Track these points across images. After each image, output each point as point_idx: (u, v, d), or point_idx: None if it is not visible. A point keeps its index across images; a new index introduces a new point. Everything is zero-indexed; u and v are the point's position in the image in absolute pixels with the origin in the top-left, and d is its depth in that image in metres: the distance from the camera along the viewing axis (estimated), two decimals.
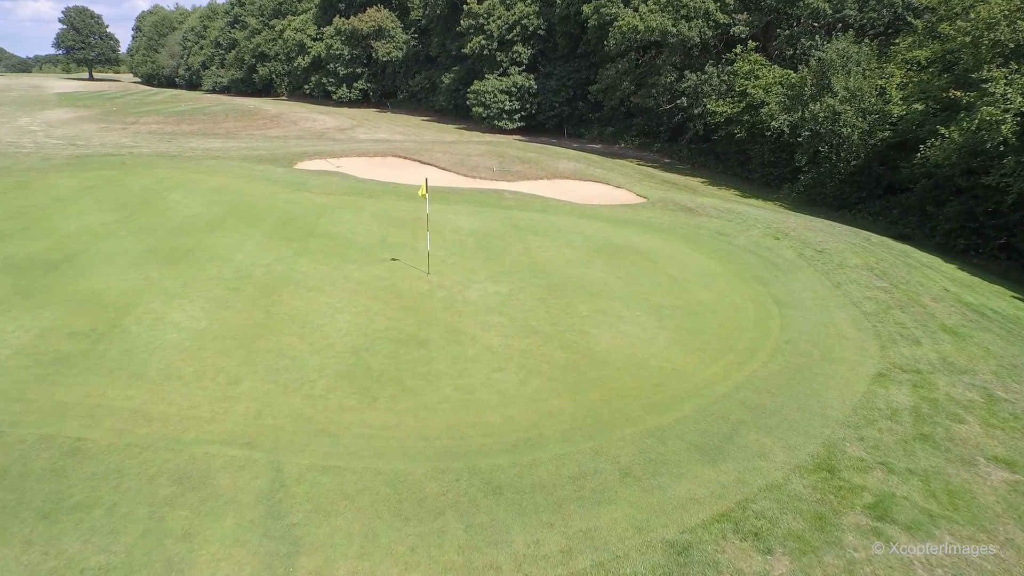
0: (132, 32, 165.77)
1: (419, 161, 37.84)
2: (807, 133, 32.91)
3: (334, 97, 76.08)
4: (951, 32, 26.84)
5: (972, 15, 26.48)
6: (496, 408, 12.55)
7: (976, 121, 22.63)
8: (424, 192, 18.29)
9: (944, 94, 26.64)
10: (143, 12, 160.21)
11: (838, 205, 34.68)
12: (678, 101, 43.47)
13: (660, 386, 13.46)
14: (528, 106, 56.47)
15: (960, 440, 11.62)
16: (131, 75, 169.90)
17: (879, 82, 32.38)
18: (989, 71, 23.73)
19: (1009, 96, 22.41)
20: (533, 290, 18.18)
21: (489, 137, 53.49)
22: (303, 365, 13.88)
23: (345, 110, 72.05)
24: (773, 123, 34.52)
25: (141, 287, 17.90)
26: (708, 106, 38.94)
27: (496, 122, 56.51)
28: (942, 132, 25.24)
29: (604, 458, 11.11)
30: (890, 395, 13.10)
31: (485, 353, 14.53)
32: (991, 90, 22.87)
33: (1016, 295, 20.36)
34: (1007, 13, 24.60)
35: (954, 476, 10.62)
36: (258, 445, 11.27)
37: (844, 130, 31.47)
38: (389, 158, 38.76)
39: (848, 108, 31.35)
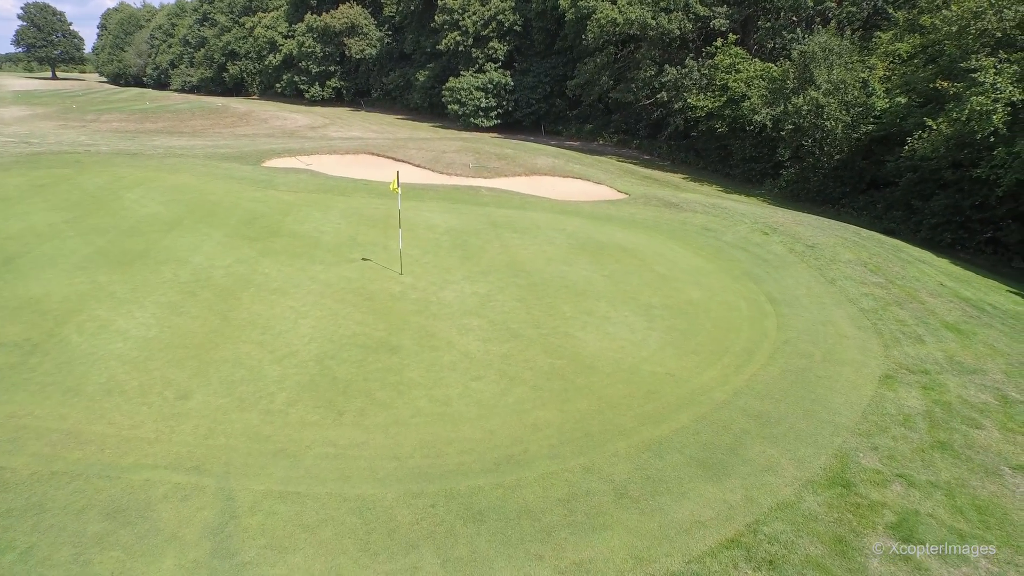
0: (97, 30, 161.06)
1: (392, 158, 36.42)
2: (790, 127, 32.29)
3: (307, 96, 74.08)
4: (935, 23, 26.33)
5: (955, 7, 25.98)
6: (475, 421, 11.34)
7: (966, 111, 22.04)
8: (395, 186, 17.00)
9: (930, 85, 26.10)
10: (109, 9, 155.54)
11: (821, 200, 34.14)
12: (658, 96, 42.67)
13: (654, 393, 12.38)
14: (504, 103, 55.30)
15: (980, 448, 10.73)
16: (97, 74, 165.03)
17: (862, 75, 31.86)
18: (978, 60, 23.18)
19: (999, 85, 21.86)
20: (513, 290, 17.01)
21: (465, 135, 52.22)
22: (262, 376, 12.53)
23: (318, 109, 70.17)
24: (756, 117, 33.85)
25: (86, 292, 16.33)
26: (689, 100, 38.17)
27: (472, 120, 55.22)
28: (929, 124, 24.65)
29: (597, 476, 9.98)
30: (900, 398, 12.19)
31: (462, 360, 13.31)
32: (980, 79, 22.31)
33: (1012, 289, 19.76)
34: (993, 1, 24.10)
35: (980, 489, 9.70)
36: (207, 469, 9.93)
37: (828, 123, 30.88)
38: (361, 155, 37.26)
39: (832, 101, 30.76)
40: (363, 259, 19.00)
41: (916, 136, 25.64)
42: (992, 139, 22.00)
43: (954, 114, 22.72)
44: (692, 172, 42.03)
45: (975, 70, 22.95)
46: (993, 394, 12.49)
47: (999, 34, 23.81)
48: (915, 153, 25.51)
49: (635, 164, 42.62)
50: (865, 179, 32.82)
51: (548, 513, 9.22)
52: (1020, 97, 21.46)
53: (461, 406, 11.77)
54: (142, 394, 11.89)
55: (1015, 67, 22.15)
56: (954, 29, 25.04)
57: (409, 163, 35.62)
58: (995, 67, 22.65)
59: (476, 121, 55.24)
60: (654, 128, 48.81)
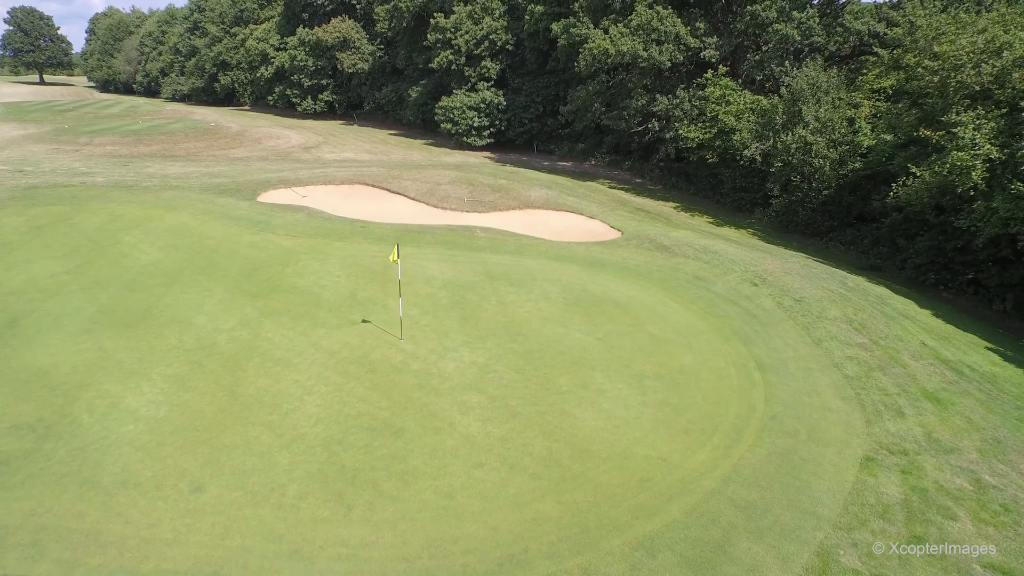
0: (86, 34, 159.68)
1: (388, 190, 36.84)
2: (779, 164, 33.04)
3: (299, 109, 74.10)
4: (919, 71, 27.12)
5: (938, 51, 26.76)
6: (478, 516, 11.90)
7: (947, 166, 22.82)
8: (395, 258, 17.51)
9: (914, 133, 26.90)
10: (97, 14, 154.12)
11: (810, 233, 34.94)
12: (649, 124, 43.30)
13: (647, 481, 12.99)
14: (497, 122, 55.75)
15: (954, 541, 11.42)
16: (85, 79, 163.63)
17: (848, 112, 32.66)
18: (957, 114, 23.97)
19: (978, 141, 22.63)
20: (511, 359, 17.56)
21: (459, 158, 52.61)
22: (272, 464, 13.02)
23: (310, 123, 70.23)
24: (746, 152, 34.55)
25: (93, 362, 16.73)
26: (680, 131, 38.85)
27: (465, 139, 55.64)
28: (913, 171, 25.44)
29: None
30: (880, 485, 12.87)
31: (464, 444, 13.86)
32: (960, 135, 23.08)
33: (989, 345, 20.54)
34: (971, 55, 24.89)
35: None
36: (226, 575, 10.43)
37: (816, 161, 31.64)
38: (357, 186, 37.65)
39: (819, 139, 31.52)
40: (363, 321, 19.47)
41: (900, 182, 26.43)
42: (972, 193, 22.80)
43: (936, 167, 23.50)
44: (683, 199, 42.71)
45: (955, 124, 23.74)
46: (968, 478, 13.20)
47: (977, 87, 24.60)
48: (900, 198, 26.28)
49: (627, 191, 43.24)
50: (852, 213, 33.65)
51: None
52: (997, 155, 22.25)
53: (464, 499, 12.32)
54: (157, 487, 12.35)
55: (992, 123, 22.95)
56: (936, 79, 25.83)
57: (404, 195, 36.05)
58: (974, 123, 23.44)
59: (469, 140, 55.66)
60: (646, 151, 49.48)
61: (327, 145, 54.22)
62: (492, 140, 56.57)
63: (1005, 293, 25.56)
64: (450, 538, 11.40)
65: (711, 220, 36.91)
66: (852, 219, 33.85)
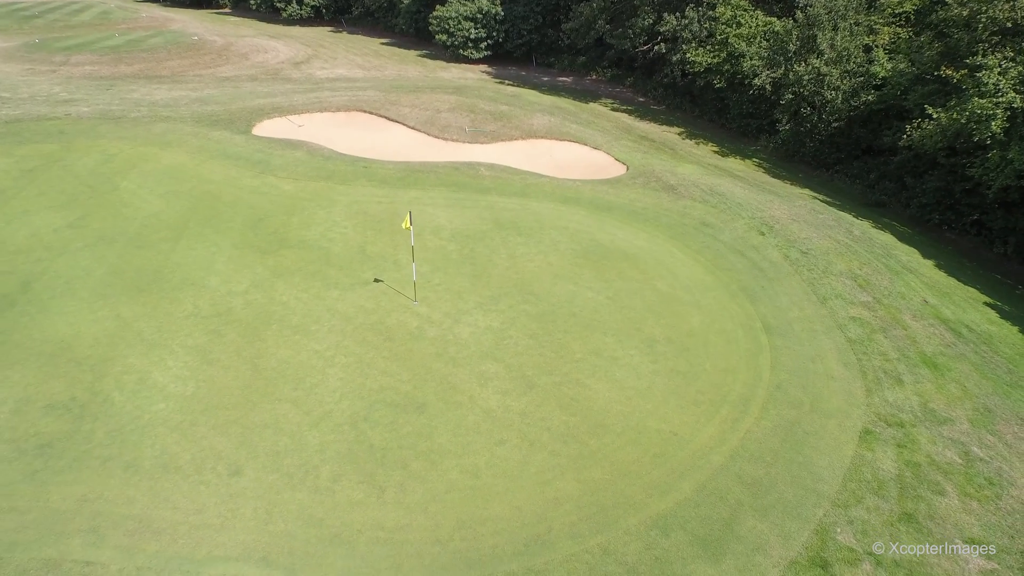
0: None
1: (386, 118, 35.53)
2: (790, 96, 31.91)
3: (283, 15, 69.20)
4: (948, 1, 25.64)
5: None
6: (503, 496, 12.75)
7: (967, 113, 22.21)
8: (408, 225, 17.38)
9: (935, 71, 25.86)
10: None
11: (816, 164, 34.45)
12: (656, 46, 41.14)
13: (660, 457, 13.80)
14: (495, 34, 52.65)
15: (940, 518, 12.43)
16: None
17: (865, 39, 31.15)
18: (984, 55, 22.97)
19: (1002, 88, 21.90)
20: (524, 322, 17.93)
21: (455, 73, 50.27)
22: (303, 445, 13.68)
23: (297, 31, 66.11)
24: (756, 81, 33.21)
25: (113, 332, 16.98)
26: (688, 55, 37.03)
27: (461, 51, 52.74)
28: (930, 113, 24.77)
29: (613, 559, 11.54)
30: (876, 460, 13.76)
31: (485, 420, 14.52)
32: (984, 79, 22.26)
33: (988, 299, 21.05)
34: None
35: (936, 567, 11.46)
36: (274, 561, 11.31)
37: (828, 93, 30.58)
38: (354, 113, 36.24)
39: (834, 71, 30.28)
40: (376, 280, 19.59)
41: (915, 123, 25.78)
42: (988, 141, 22.37)
43: (954, 113, 22.86)
44: (688, 122, 41.53)
45: (980, 68, 22.81)
46: (958, 451, 14.10)
47: (1009, 24, 23.41)
48: (912, 140, 25.75)
49: (630, 114, 41.88)
50: (861, 146, 33.04)
51: None
52: (1020, 104, 21.60)
53: (489, 478, 13.12)
54: (197, 470, 13.04)
55: (1019, 68, 22.08)
56: (964, 12, 24.50)
57: (403, 124, 34.87)
58: (1000, 65, 22.52)
59: (466, 53, 52.84)
60: (649, 68, 47.34)
61: (318, 59, 51.45)
62: (489, 53, 53.73)
63: (1007, 236, 25.78)
64: (478, 519, 12.28)
65: (716, 149, 36.16)
66: (859, 152, 33.27)
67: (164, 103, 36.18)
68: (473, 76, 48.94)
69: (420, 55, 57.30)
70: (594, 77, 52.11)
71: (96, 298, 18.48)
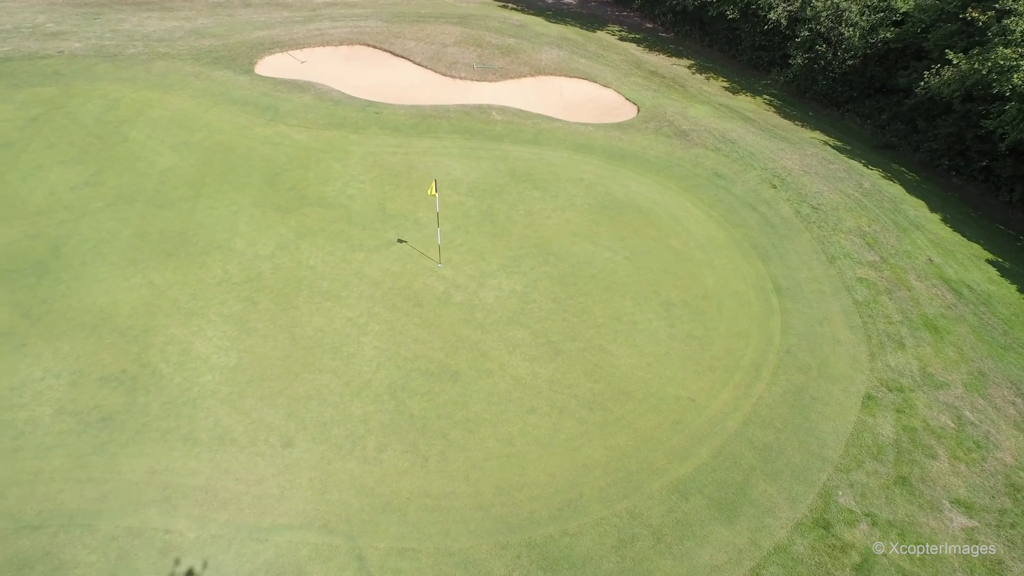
0: None
1: (391, 52, 34.33)
2: (806, 33, 30.96)
3: None
4: None
5: None
6: (537, 463, 13.94)
7: (989, 63, 21.91)
8: (433, 192, 17.63)
9: (960, 14, 25.12)
10: None
11: (828, 102, 33.98)
12: None
13: (679, 423, 14.95)
14: None
15: (931, 481, 13.79)
16: None
17: None
18: (1015, 0, 22.32)
19: None
20: (546, 284, 18.60)
21: (458, 3, 47.90)
22: (348, 415, 14.69)
23: None
24: (771, 15, 32.05)
25: (149, 301, 17.56)
26: None
27: None
28: (950, 59, 24.37)
29: (639, 522, 12.89)
30: (877, 426, 14.97)
31: (516, 388, 15.52)
32: (1012, 27, 21.78)
33: (990, 256, 21.76)
34: None
35: (924, 526, 12.89)
36: (334, 528, 12.58)
37: (846, 30, 29.72)
38: (357, 47, 34.94)
39: (853, 6, 29.29)
40: (399, 241, 20.01)
41: (934, 69, 25.38)
42: (1008, 93, 22.22)
43: (976, 63, 22.52)
44: (697, 53, 40.30)
45: (1008, 13, 22.22)
46: (951, 415, 15.31)
47: None
48: (930, 87, 25.44)
49: (638, 44, 40.47)
50: (874, 85, 32.47)
51: (605, 560, 12.25)
52: None
53: (523, 445, 14.27)
54: (251, 442, 14.10)
55: None
56: None
57: (410, 60, 33.80)
58: None
59: None
60: None
61: None
62: None
63: (1015, 184, 26.12)
64: (516, 485, 13.53)
65: (726, 85, 35.45)
66: (872, 91, 32.74)
67: (159, 36, 34.72)
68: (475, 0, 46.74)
69: None
70: None
71: (126, 263, 18.90)
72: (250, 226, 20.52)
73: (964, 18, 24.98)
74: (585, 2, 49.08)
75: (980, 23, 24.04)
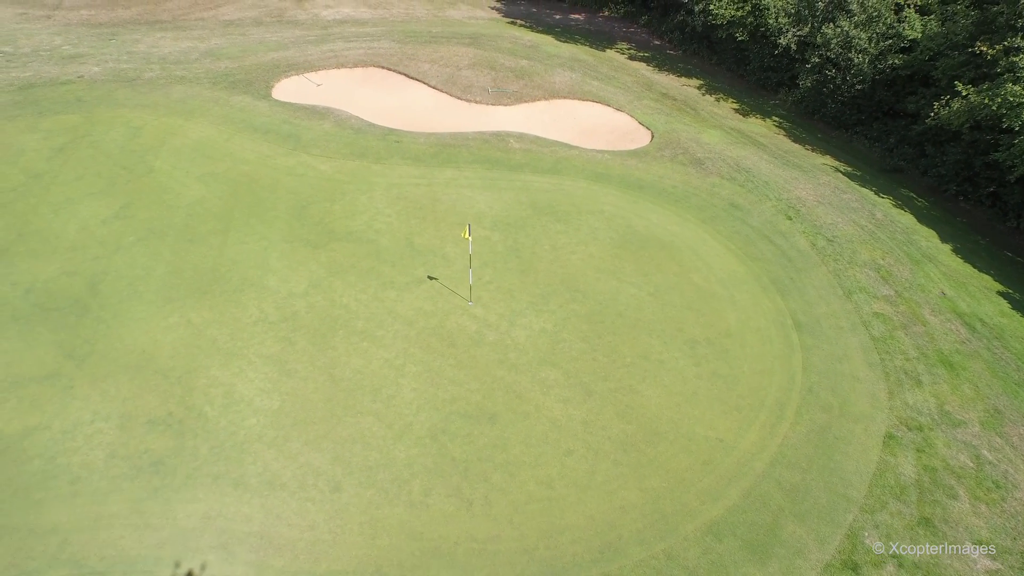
0: None
1: (405, 75, 34.79)
2: (816, 59, 31.57)
3: None
4: None
5: None
6: (576, 506, 14.52)
7: (998, 99, 22.57)
8: (467, 235, 18.19)
9: (969, 47, 25.78)
10: None
11: (836, 124, 34.60)
12: None
13: (709, 464, 15.55)
14: None
15: (953, 521, 14.43)
16: None
17: None
18: (1023, 38, 22.94)
19: None
20: (575, 323, 19.16)
21: (464, 11, 48.26)
22: (392, 459, 15.23)
23: None
24: (781, 40, 32.65)
25: (189, 341, 18.02)
26: (711, 7, 35.95)
27: None
28: (959, 90, 25.03)
29: (676, 563, 13.49)
30: (898, 465, 15.61)
31: (552, 430, 16.09)
32: (1020, 64, 22.44)
33: (1001, 287, 22.43)
34: None
35: (949, 568, 13.53)
36: (387, 574, 13.10)
37: (856, 57, 30.36)
38: (371, 69, 35.39)
39: (863, 34, 29.91)
40: (429, 278, 20.53)
41: (943, 100, 26.04)
42: (1017, 128, 22.87)
43: (986, 98, 23.17)
44: (705, 72, 40.88)
45: (1017, 50, 22.88)
46: (970, 454, 15.97)
47: None
48: (940, 118, 26.09)
49: (647, 64, 41.02)
50: (883, 108, 33.16)
51: None
52: None
53: (562, 488, 14.84)
54: (300, 486, 14.62)
55: None
56: None
57: (425, 83, 34.27)
58: None
59: None
60: (664, 6, 45.79)
61: None
62: None
63: (1022, 211, 26.80)
64: (557, 528, 14.10)
65: (736, 106, 36.04)
66: (880, 114, 33.42)
67: (174, 59, 35.10)
68: (483, 15, 47.13)
69: None
70: (606, 14, 50.33)
71: (163, 301, 19.36)
72: (281, 262, 21.01)
73: (973, 51, 25.64)
74: (592, 17, 49.61)
75: (989, 57, 24.70)
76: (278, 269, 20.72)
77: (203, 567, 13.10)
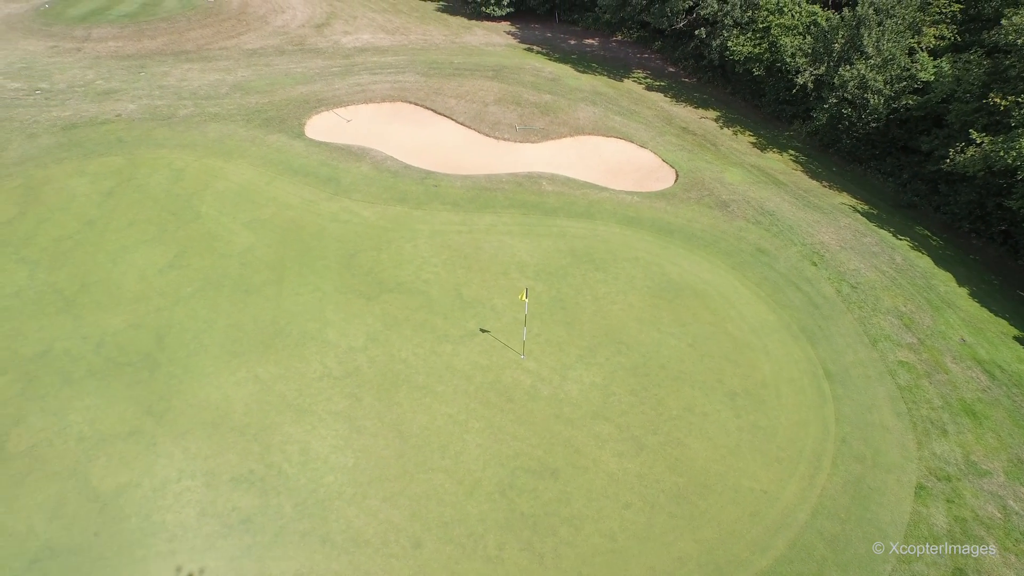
0: None
1: (433, 111, 35.88)
2: (833, 100, 32.87)
3: None
4: (1004, 24, 26.46)
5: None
6: (638, 557, 15.73)
7: (1013, 153, 23.84)
8: (524, 297, 19.37)
9: (982, 99, 27.14)
10: None
11: (851, 159, 35.94)
12: (696, 31, 40.76)
13: (755, 515, 16.80)
14: None
15: (986, 572, 15.73)
16: None
17: (910, 41, 31.84)
18: None
19: None
20: (622, 376, 20.33)
21: (481, 37, 49.34)
22: (466, 514, 16.38)
23: None
24: (799, 79, 33.91)
25: (259, 397, 19.05)
26: (729, 43, 37.15)
27: (483, 8, 51.43)
28: (974, 138, 26.36)
29: None
30: (930, 516, 16.92)
31: (610, 484, 17.29)
32: None
33: (1017, 332, 23.81)
34: None
35: None
36: None
37: (872, 98, 31.69)
38: (399, 104, 36.44)
39: (878, 77, 31.22)
40: (481, 330, 21.66)
41: (959, 148, 27.37)
42: None
43: (1001, 151, 24.47)
44: (721, 102, 42.14)
45: None
46: (997, 505, 17.30)
47: None
48: (956, 165, 27.41)
49: (664, 95, 42.24)
50: (897, 144, 34.51)
51: None
52: None
53: (624, 540, 16.05)
54: (383, 543, 15.75)
55: None
56: (1019, 42, 25.50)
57: (452, 119, 35.37)
58: None
59: (488, 10, 51.49)
60: (678, 35, 46.96)
61: (338, 20, 49.89)
62: (512, 9, 52.44)
63: None
64: None
65: (753, 140, 37.35)
66: (894, 149, 34.79)
67: (205, 93, 36.01)
68: (500, 41, 48.22)
69: (438, 9, 55.64)
70: (620, 37, 51.52)
71: (229, 356, 20.39)
72: (337, 315, 22.08)
73: (986, 103, 26.98)
74: (606, 43, 50.75)
75: (1002, 107, 26.03)
76: (335, 322, 21.80)
77: None
